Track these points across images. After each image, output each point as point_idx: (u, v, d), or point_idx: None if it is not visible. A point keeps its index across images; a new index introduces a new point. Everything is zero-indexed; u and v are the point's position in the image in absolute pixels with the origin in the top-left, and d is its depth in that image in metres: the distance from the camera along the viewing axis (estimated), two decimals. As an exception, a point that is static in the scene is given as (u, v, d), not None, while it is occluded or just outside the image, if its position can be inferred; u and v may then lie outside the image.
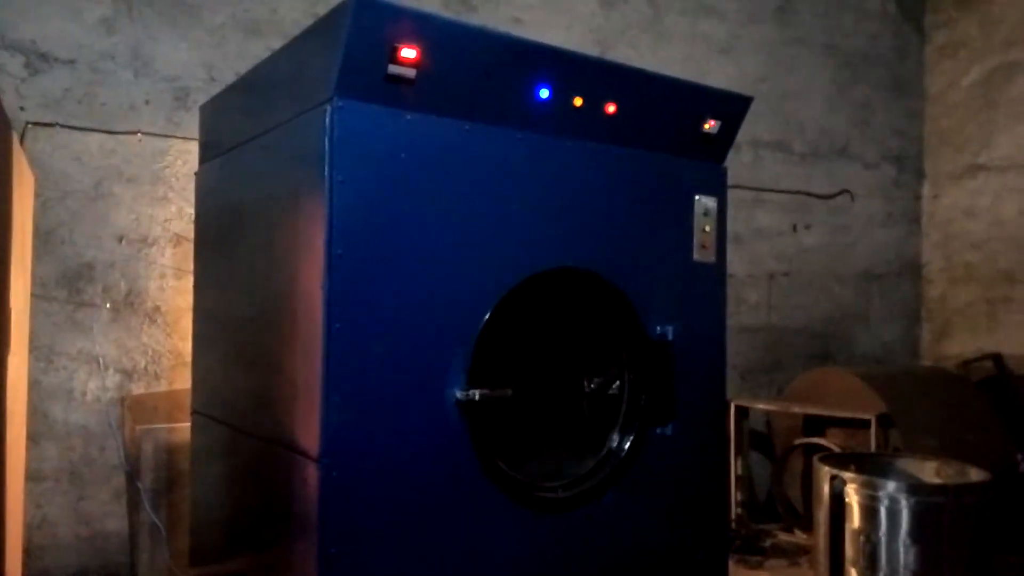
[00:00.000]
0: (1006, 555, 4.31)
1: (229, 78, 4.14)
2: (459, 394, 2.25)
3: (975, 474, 3.91)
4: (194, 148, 4.14)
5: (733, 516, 5.07)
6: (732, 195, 5.67)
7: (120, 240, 4.15)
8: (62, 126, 3.98)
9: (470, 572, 2.31)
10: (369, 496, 2.12)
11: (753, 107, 5.86)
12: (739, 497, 5.16)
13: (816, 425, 5.13)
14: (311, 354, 2.10)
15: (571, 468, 2.62)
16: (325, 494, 2.05)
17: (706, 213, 2.93)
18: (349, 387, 2.08)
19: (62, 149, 3.98)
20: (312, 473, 2.07)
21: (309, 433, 2.10)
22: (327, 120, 2.09)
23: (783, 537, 4.98)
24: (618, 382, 2.74)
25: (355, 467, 2.09)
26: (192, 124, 4.17)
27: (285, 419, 2.28)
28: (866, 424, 4.62)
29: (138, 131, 4.17)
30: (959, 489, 3.79)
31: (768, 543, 4.84)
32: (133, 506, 4.13)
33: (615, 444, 2.67)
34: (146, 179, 4.19)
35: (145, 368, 4.21)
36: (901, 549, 3.64)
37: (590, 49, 5.25)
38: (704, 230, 2.92)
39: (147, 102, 4.19)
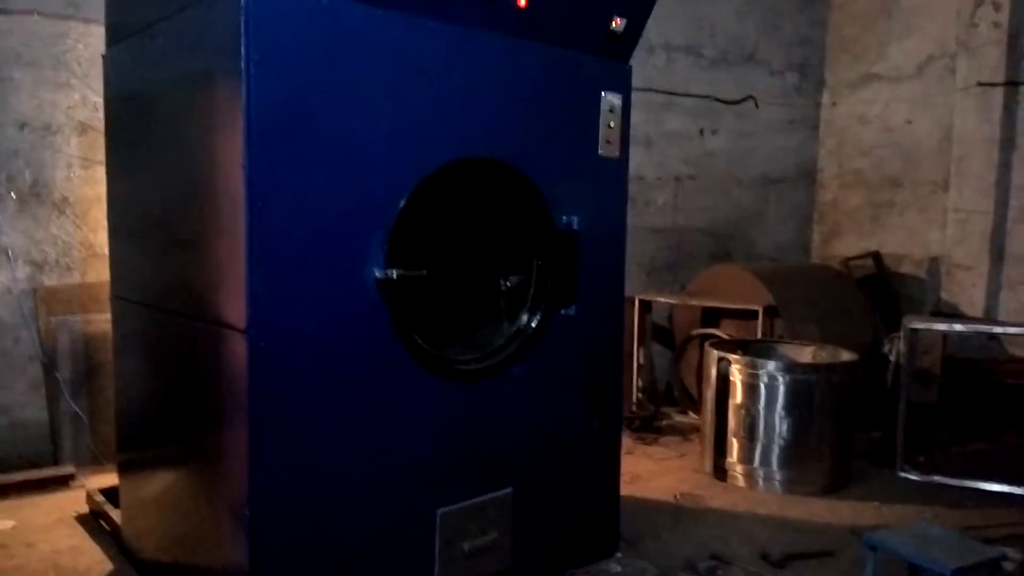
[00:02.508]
0: (869, 431, 4.86)
1: (132, -42, 3.97)
2: (378, 272, 2.40)
3: (845, 355, 4.37)
4: (95, 31, 4.00)
5: (634, 400, 5.48)
6: (644, 98, 5.93)
7: (22, 128, 4.02)
8: (-48, 4, 3.77)
9: (390, 436, 2.51)
10: (294, 366, 2.27)
11: (667, 11, 6.00)
12: (640, 384, 5.56)
13: (712, 317, 5.54)
14: (234, 232, 2.19)
15: (484, 344, 2.84)
16: (253, 363, 2.18)
17: (611, 110, 3.08)
18: (272, 262, 2.20)
19: (-46, 29, 3.79)
20: (240, 344, 2.20)
21: (235, 307, 2.21)
22: (243, 1, 2.13)
23: (678, 419, 5.43)
24: (529, 270, 2.94)
25: (280, 338, 2.23)
26: (92, 5, 4.02)
27: (211, 296, 2.38)
28: (755, 315, 5.03)
29: (34, 11, 3.99)
30: (829, 368, 4.24)
31: (664, 423, 5.29)
32: (52, 396, 4.17)
33: (523, 322, 2.89)
34: (47, 63, 4.05)
35: (56, 260, 4.17)
36: (777, 420, 4.09)
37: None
38: (609, 126, 3.08)
39: (43, -20, 4.00)
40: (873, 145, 6.84)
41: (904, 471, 4.37)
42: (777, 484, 4.12)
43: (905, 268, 6.51)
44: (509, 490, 2.85)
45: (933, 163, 6.37)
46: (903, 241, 6.57)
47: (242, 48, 2.12)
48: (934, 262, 6.28)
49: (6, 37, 3.92)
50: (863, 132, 6.92)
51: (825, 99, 7.21)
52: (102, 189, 3.58)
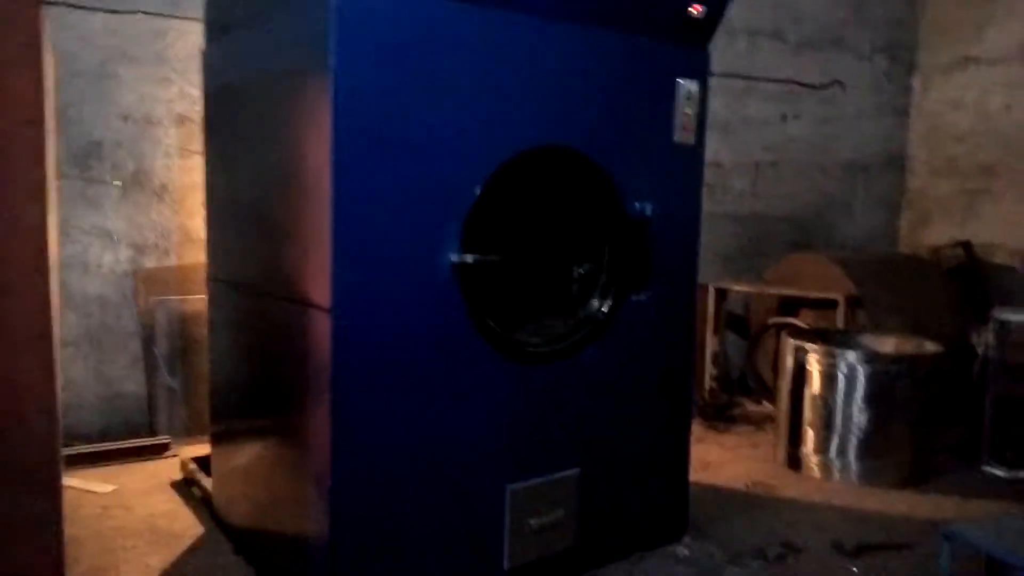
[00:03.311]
0: (952, 425, 4.69)
1: (226, -43, 4.18)
2: (453, 257, 2.50)
3: (929, 347, 4.25)
4: (194, 28, 4.23)
5: (707, 388, 5.46)
6: (725, 84, 5.85)
7: (125, 119, 4.30)
8: (66, 5, 4.05)
9: (462, 414, 2.61)
10: (375, 345, 2.39)
11: (750, -4, 5.86)
12: (714, 372, 5.53)
13: (791, 307, 5.45)
14: (321, 219, 2.32)
15: (555, 329, 2.91)
16: (337, 341, 2.31)
17: (688, 96, 3.09)
18: (356, 248, 2.32)
19: (68, 30, 4.07)
20: (324, 323, 2.33)
21: (321, 289, 2.35)
22: (331, 1, 2.24)
23: (752, 408, 5.38)
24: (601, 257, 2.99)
25: (362, 318, 2.35)
26: (192, 4, 4.25)
27: (299, 279, 2.53)
28: (835, 304, 4.92)
29: (139, 11, 4.25)
30: (913, 359, 4.13)
31: (737, 412, 5.24)
32: (150, 371, 4.46)
33: (594, 307, 2.94)
34: (148, 60, 4.30)
35: (155, 244, 4.44)
36: (855, 411, 4.01)
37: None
38: (686, 113, 3.09)
39: (147, -19, 4.25)
40: (968, 131, 6.55)
41: (990, 466, 4.22)
42: (853, 475, 4.05)
43: (999, 258, 6.23)
44: (577, 470, 2.91)
45: (1033, 150, 6.07)
46: (997, 231, 6.28)
47: (331, 45, 2.23)
48: (1030, 253, 6.00)
49: (112, 36, 4.19)
50: (957, 117, 6.63)
51: (916, 84, 6.94)
52: (198, 177, 3.81)
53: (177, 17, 4.32)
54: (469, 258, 2.51)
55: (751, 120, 6.21)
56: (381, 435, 2.44)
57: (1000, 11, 6.29)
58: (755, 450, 4.56)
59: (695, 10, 2.97)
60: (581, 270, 3.04)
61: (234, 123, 3.07)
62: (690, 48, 3.08)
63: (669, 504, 3.28)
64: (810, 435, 4.15)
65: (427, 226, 2.46)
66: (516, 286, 2.98)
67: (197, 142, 4.23)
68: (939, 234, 6.68)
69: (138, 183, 4.36)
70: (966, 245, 6.28)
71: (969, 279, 6.13)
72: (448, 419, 2.58)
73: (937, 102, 6.79)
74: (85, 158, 4.21)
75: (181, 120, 4.39)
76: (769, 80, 6.23)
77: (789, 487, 3.98)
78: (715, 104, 5.78)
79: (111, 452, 4.06)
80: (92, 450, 4.04)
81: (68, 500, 3.09)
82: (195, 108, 4.27)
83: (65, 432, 3.89)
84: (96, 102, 4.20)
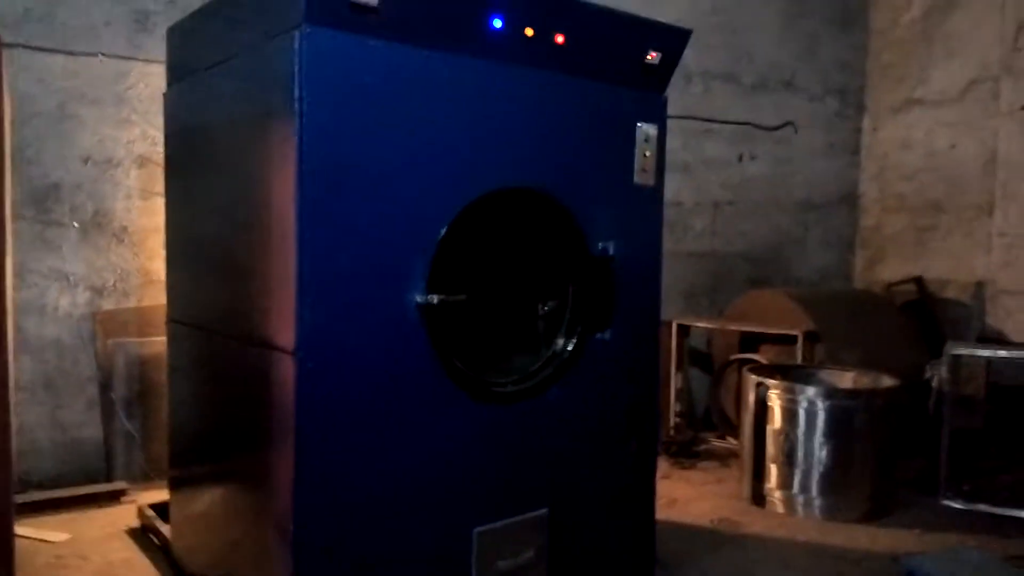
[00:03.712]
0: (911, 459, 4.79)
1: (190, 2, 4.20)
2: (419, 298, 2.50)
3: (886, 381, 4.35)
4: (156, 71, 4.23)
5: (672, 425, 5.49)
6: (683, 125, 6.00)
7: (86, 161, 4.25)
8: (23, 47, 4.02)
9: (429, 456, 2.60)
10: (339, 387, 2.37)
11: (705, 40, 6.09)
12: (678, 408, 5.57)
13: (751, 343, 5.54)
14: (286, 260, 2.32)
15: (521, 368, 2.92)
16: (301, 384, 2.29)
17: (647, 139, 3.17)
18: (320, 289, 2.31)
19: (25, 71, 4.04)
20: (288, 365, 2.31)
21: (285, 330, 2.33)
22: (296, 46, 2.26)
23: (717, 444, 5.42)
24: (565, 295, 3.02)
25: (327, 360, 2.34)
26: (153, 46, 4.26)
27: (262, 320, 2.51)
28: (794, 340, 5.02)
29: (99, 53, 4.24)
30: (870, 393, 4.23)
31: (702, 448, 5.28)
32: (107, 415, 4.36)
33: (559, 346, 2.97)
34: (109, 101, 4.28)
35: (114, 286, 4.37)
36: (816, 446, 4.08)
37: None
38: (645, 155, 3.16)
39: (107, 23, 4.24)
40: (916, 169, 6.79)
41: (948, 499, 4.30)
42: (817, 510, 4.10)
43: (950, 293, 6.43)
44: (545, 511, 2.91)
45: (978, 187, 6.30)
46: (947, 266, 6.49)
47: (296, 90, 2.25)
48: (979, 287, 6.20)
49: (72, 77, 4.17)
50: (905, 156, 6.88)
51: (866, 124, 7.19)
52: (159, 219, 3.77)
53: (138, 60, 4.31)
54: (435, 298, 2.52)
55: (710, 161, 6.36)
56: (345, 479, 2.42)
57: (940, 54, 6.57)
58: (720, 486, 4.59)
59: (651, 57, 3.07)
60: (546, 308, 3.07)
61: (197, 164, 3.06)
62: (648, 92, 3.16)
63: (637, 543, 3.28)
64: (773, 471, 4.20)
65: (392, 267, 2.47)
66: (482, 325, 3.00)
67: (159, 184, 4.20)
68: (893, 270, 6.87)
69: (98, 225, 4.30)
70: (918, 281, 6.47)
71: (922, 314, 6.30)
72: (414, 461, 2.57)
73: (886, 142, 7.04)
74: (43, 200, 4.15)
75: (143, 162, 4.37)
76: (725, 122, 6.41)
77: (754, 523, 4.01)
78: (675, 145, 5.94)
79: (66, 499, 3.95)
80: (46, 497, 3.92)
81: (21, 549, 3.00)
82: (157, 149, 4.24)
83: (19, 479, 3.78)
84: (55, 143, 4.15)
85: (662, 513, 3.52)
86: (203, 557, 3.06)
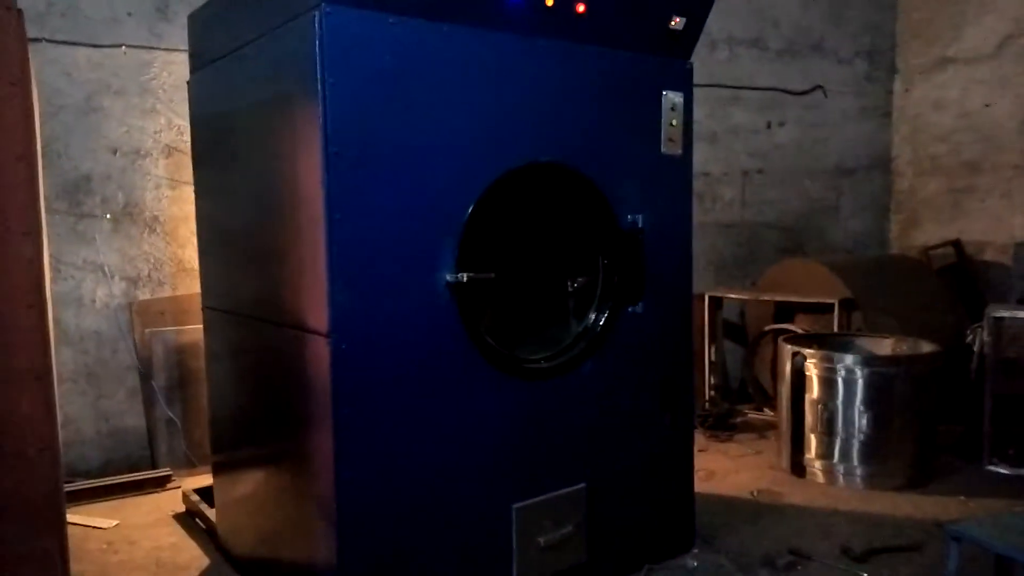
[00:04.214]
0: (951, 424, 4.70)
1: (210, -12, 4.20)
2: (449, 276, 2.50)
3: (926, 347, 4.26)
4: (179, 59, 4.25)
5: (707, 398, 5.45)
6: (709, 93, 5.90)
7: (114, 152, 4.29)
8: (49, 40, 4.06)
9: (464, 433, 2.60)
10: (374, 365, 2.38)
11: (730, 5, 5.95)
12: (713, 381, 5.53)
13: (786, 313, 5.46)
14: (315, 244, 2.32)
15: (553, 344, 2.91)
16: (336, 365, 2.31)
17: (673, 108, 3.11)
18: (351, 271, 2.32)
19: (52, 64, 4.07)
20: (323, 348, 2.32)
21: (318, 313, 2.34)
22: (315, 25, 2.25)
23: (753, 416, 5.38)
24: (596, 270, 2.99)
25: (361, 341, 2.35)
26: (175, 35, 4.27)
27: (295, 304, 2.52)
28: (830, 308, 4.94)
29: (122, 44, 4.26)
30: (910, 359, 4.14)
31: (739, 420, 5.24)
32: (148, 403, 4.43)
33: (591, 320, 2.94)
34: (134, 91, 4.31)
35: (148, 275, 4.43)
36: (856, 415, 4.01)
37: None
38: (671, 124, 3.11)
39: (129, 14, 4.26)
40: (950, 130, 6.61)
41: (992, 464, 4.23)
42: (858, 479, 4.04)
43: (988, 255, 6.27)
44: (583, 485, 2.90)
45: (1015, 146, 6.12)
46: (986, 228, 6.33)
47: (318, 71, 2.24)
48: (1019, 248, 6.03)
49: (97, 69, 4.20)
50: (939, 117, 6.70)
51: (897, 85, 7.01)
52: (189, 207, 3.80)
53: (161, 49, 4.33)
54: (464, 277, 2.51)
55: (737, 128, 6.25)
56: (384, 458, 2.43)
57: (973, 10, 6.37)
58: (758, 458, 4.55)
59: (675, 22, 3.00)
60: (576, 284, 3.05)
61: (223, 151, 3.07)
62: (673, 59, 3.10)
63: (676, 515, 3.27)
64: (812, 441, 4.15)
65: (421, 246, 2.47)
66: (513, 303, 2.98)
67: (187, 172, 4.23)
68: (929, 234, 6.72)
69: (129, 215, 4.35)
70: (956, 244, 6.32)
71: (960, 278, 6.17)
72: (450, 438, 2.57)
73: (918, 103, 6.85)
74: (74, 192, 4.20)
75: (169, 151, 4.40)
76: (752, 88, 6.28)
77: (794, 494, 3.97)
78: (701, 114, 5.83)
79: (113, 487, 4.04)
80: (94, 485, 4.01)
81: (72, 536, 3.07)
82: (183, 138, 4.27)
83: (66, 468, 3.86)
84: (83, 136, 4.20)
85: (700, 486, 3.50)
86: (248, 539, 3.11)
